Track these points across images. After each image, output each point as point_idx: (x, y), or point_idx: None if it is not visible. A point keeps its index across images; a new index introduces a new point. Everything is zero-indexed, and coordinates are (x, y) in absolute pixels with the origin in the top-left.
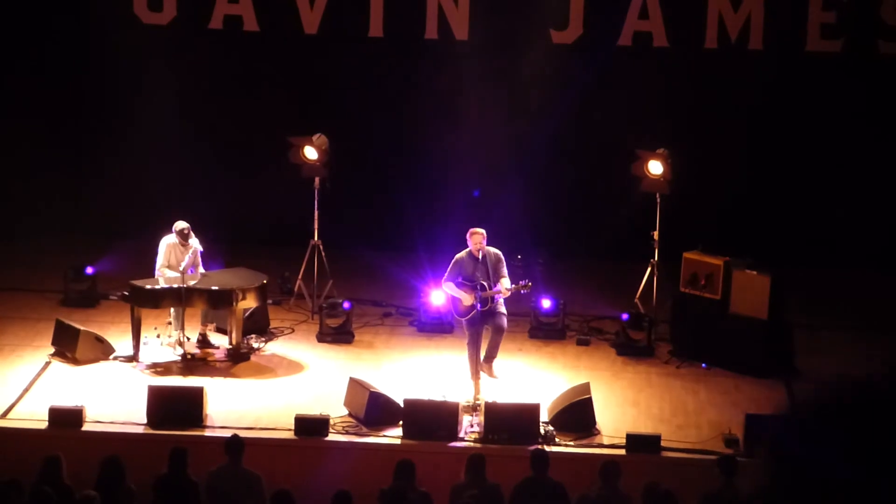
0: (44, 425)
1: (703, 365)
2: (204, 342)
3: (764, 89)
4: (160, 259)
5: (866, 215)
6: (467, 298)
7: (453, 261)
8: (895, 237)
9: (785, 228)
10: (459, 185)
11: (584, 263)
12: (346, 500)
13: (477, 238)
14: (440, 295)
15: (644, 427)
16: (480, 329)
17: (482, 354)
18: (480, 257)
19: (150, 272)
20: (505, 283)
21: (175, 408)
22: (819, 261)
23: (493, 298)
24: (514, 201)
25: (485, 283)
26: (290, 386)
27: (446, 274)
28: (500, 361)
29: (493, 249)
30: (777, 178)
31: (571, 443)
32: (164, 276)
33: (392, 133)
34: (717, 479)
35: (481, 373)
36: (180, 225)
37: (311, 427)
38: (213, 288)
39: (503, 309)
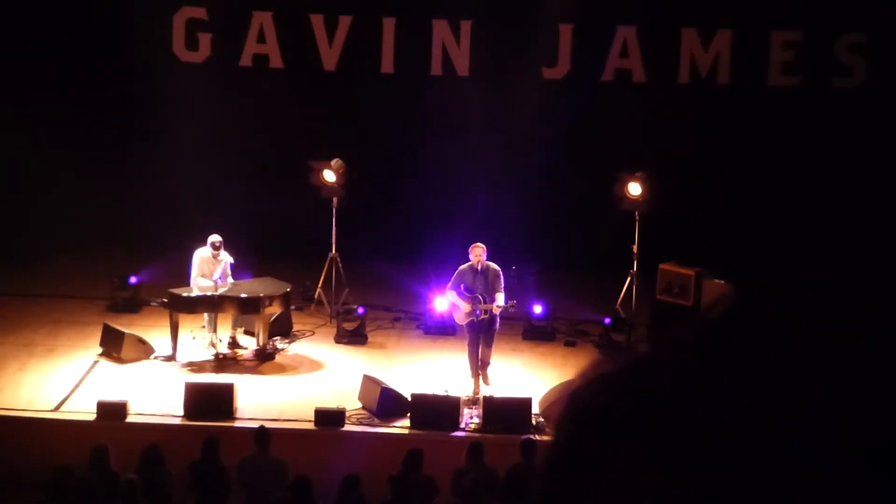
0: (92, 417)
1: None
2: (234, 343)
3: (731, 119)
4: (194, 270)
5: (823, 230)
6: (466, 308)
7: (456, 272)
8: (840, 250)
9: (749, 242)
10: (462, 204)
11: (571, 273)
12: (355, 482)
13: (477, 252)
14: (443, 302)
15: None
16: (478, 334)
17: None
18: (480, 270)
19: (186, 281)
20: (499, 299)
21: (208, 402)
22: (777, 270)
23: (487, 310)
24: (511, 218)
25: (482, 297)
26: (311, 382)
27: (450, 283)
28: (497, 360)
29: (492, 265)
30: (743, 198)
31: None
32: (198, 285)
33: (402, 158)
34: None
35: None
36: (214, 238)
37: (329, 419)
38: (243, 295)
39: (497, 322)
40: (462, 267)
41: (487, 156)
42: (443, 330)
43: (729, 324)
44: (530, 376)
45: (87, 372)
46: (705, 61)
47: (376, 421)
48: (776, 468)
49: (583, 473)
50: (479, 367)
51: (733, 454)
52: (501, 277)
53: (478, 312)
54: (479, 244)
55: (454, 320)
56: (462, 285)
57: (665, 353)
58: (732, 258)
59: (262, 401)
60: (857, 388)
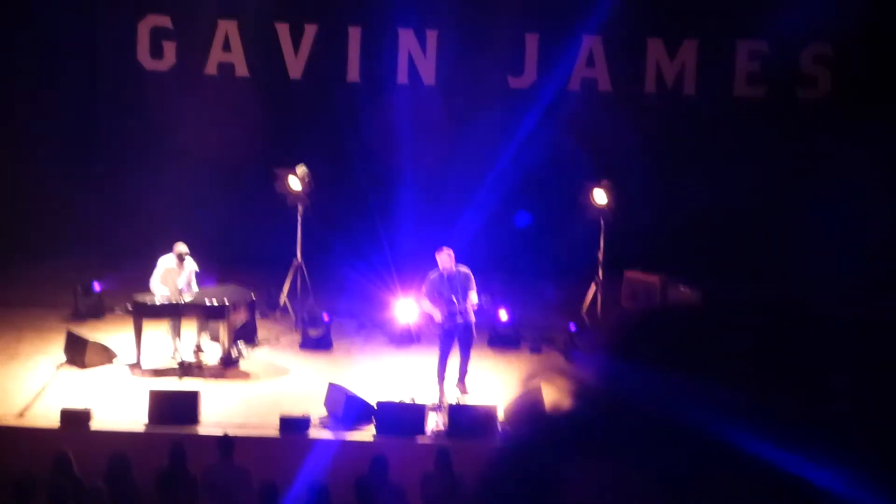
0: (56, 425)
1: None
2: (199, 350)
3: (696, 128)
4: (155, 276)
5: (786, 236)
6: (437, 314)
7: (427, 280)
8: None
9: (713, 249)
10: (429, 210)
11: (536, 280)
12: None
13: (443, 257)
14: (408, 311)
15: None
16: (451, 341)
17: (457, 375)
18: (449, 274)
19: (148, 286)
20: (472, 298)
21: (173, 408)
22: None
23: (462, 313)
24: (476, 224)
25: (455, 299)
26: (276, 389)
27: (422, 291)
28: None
29: (462, 268)
30: (707, 206)
31: None
32: (156, 290)
33: (368, 165)
34: None
35: (456, 387)
36: (180, 247)
37: (294, 426)
38: (208, 302)
39: (474, 330)
40: (431, 274)
41: (453, 162)
42: (407, 338)
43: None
44: (496, 383)
45: (51, 379)
46: (671, 71)
47: (342, 428)
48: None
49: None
50: (458, 378)
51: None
52: (472, 279)
53: (454, 315)
54: (445, 249)
55: (419, 328)
56: (435, 292)
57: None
58: (697, 265)
59: (227, 407)
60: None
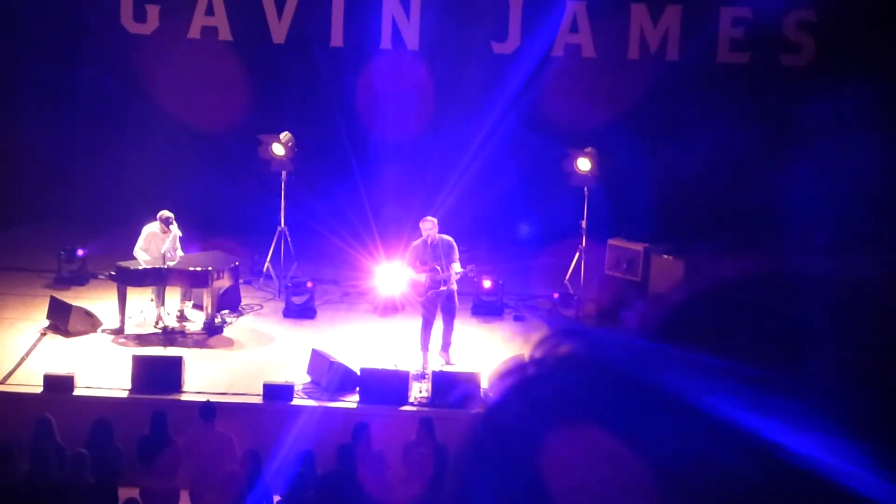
0: (39, 390)
1: None
2: (182, 317)
3: (680, 95)
4: (139, 243)
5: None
6: (423, 279)
7: (410, 247)
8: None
9: (697, 218)
10: (413, 178)
11: (520, 248)
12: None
13: (427, 226)
14: (390, 278)
15: None
16: (434, 309)
17: (440, 343)
18: (432, 243)
19: (132, 254)
20: (455, 268)
21: (157, 375)
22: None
23: (444, 281)
24: (460, 192)
25: (437, 267)
26: (259, 356)
27: (405, 260)
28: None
29: (445, 237)
30: (691, 174)
31: None
32: (140, 258)
33: (351, 131)
34: None
35: (440, 355)
36: (165, 213)
37: (277, 393)
38: (192, 269)
39: (456, 298)
40: (415, 243)
41: (436, 128)
42: (391, 306)
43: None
44: (479, 351)
45: (34, 345)
46: (655, 37)
47: (325, 395)
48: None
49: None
50: (442, 347)
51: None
52: (455, 248)
53: (437, 283)
54: (429, 218)
55: (407, 297)
56: (417, 261)
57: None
58: (681, 233)
59: (210, 375)
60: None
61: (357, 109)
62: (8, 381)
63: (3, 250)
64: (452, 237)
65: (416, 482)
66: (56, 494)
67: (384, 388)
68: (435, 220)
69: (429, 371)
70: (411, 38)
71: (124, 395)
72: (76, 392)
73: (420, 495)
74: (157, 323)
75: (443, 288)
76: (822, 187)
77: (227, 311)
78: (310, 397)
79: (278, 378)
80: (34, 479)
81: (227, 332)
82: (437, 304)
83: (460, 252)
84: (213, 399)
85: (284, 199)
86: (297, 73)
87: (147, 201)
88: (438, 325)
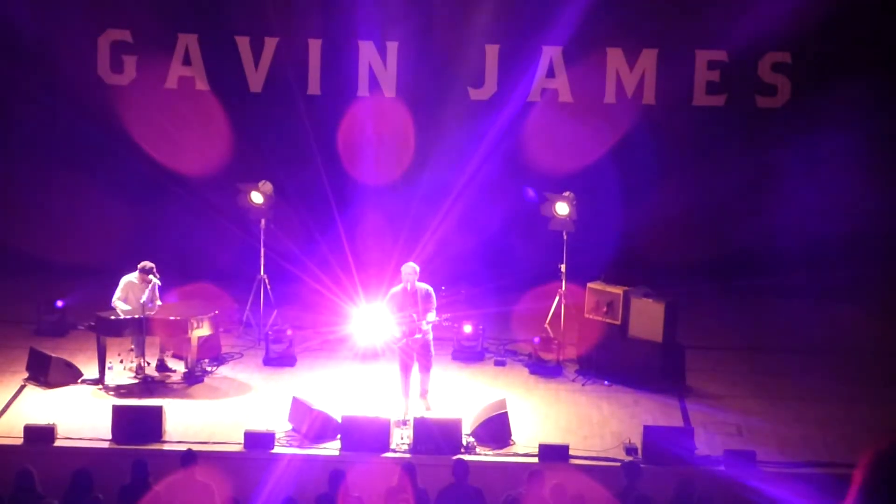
0: (19, 441)
1: (606, 382)
2: (162, 366)
3: (657, 138)
4: (118, 293)
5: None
6: (397, 328)
7: (388, 294)
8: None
9: (675, 260)
10: (392, 223)
11: (500, 293)
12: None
13: (408, 271)
14: (369, 326)
15: (554, 438)
16: (411, 354)
17: (419, 390)
18: (411, 290)
19: (111, 306)
20: (430, 317)
21: (137, 425)
22: (704, 288)
23: (419, 329)
24: (440, 236)
25: (413, 315)
26: (240, 405)
27: (385, 305)
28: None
29: (423, 285)
30: (670, 216)
31: (490, 453)
32: (118, 308)
33: (330, 178)
34: (622, 482)
35: (420, 401)
36: (147, 264)
37: (258, 441)
38: (171, 318)
39: (432, 346)
40: (394, 289)
41: (415, 174)
42: (371, 353)
43: None
44: (460, 396)
45: (14, 396)
46: (631, 81)
47: (306, 443)
48: None
49: None
50: (420, 394)
51: None
52: (433, 297)
53: (412, 331)
54: (411, 263)
55: (387, 344)
56: (395, 307)
57: None
58: (660, 275)
59: (191, 423)
60: None
61: (337, 154)
62: None
63: None
64: (431, 283)
65: None
66: None
67: (365, 434)
68: (417, 268)
69: (410, 418)
70: (388, 86)
71: (105, 445)
72: (57, 443)
73: None
74: (137, 373)
75: (417, 336)
76: (801, 229)
77: (206, 361)
78: (291, 445)
79: (259, 426)
80: None
81: (207, 380)
82: (413, 353)
83: (440, 296)
84: (195, 448)
85: (264, 246)
86: (276, 119)
87: (125, 251)
88: (417, 371)
